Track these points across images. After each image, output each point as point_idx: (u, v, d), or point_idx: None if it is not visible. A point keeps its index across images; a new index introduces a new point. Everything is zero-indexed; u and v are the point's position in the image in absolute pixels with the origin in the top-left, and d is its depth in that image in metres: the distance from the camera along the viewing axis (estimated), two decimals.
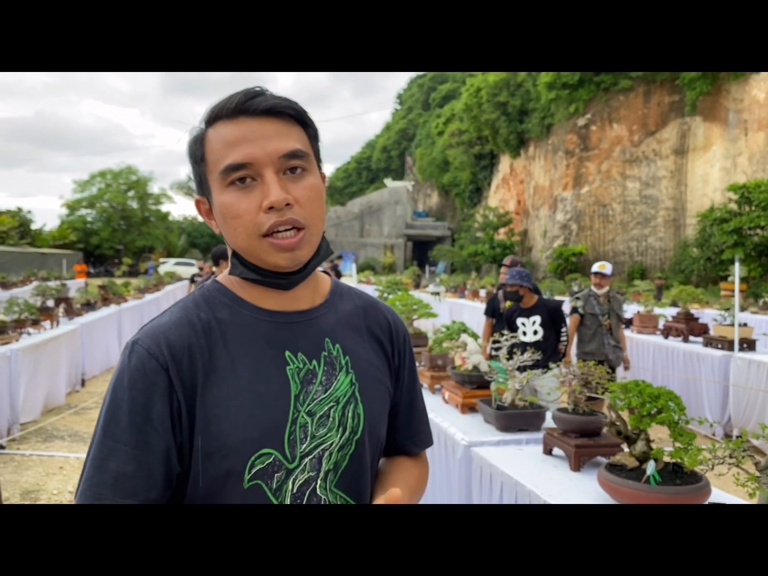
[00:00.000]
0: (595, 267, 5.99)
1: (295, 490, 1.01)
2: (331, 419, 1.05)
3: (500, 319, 5.73)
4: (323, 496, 1.04)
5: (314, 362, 1.05)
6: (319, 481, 1.03)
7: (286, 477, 1.00)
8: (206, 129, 1.02)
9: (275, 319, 1.05)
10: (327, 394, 1.05)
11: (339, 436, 1.05)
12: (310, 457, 1.02)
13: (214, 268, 6.76)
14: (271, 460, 0.99)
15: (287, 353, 1.04)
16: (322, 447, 1.03)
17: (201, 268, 13.10)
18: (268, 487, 0.99)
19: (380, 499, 0.96)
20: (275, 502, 1.00)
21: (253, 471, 0.98)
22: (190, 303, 1.05)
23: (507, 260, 6.41)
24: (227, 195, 0.98)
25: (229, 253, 1.07)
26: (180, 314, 1.03)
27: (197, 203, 1.09)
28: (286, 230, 0.97)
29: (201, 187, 1.05)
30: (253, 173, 0.98)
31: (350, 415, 1.07)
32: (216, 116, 1.00)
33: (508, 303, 5.55)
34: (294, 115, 1.02)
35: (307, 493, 1.02)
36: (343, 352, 1.09)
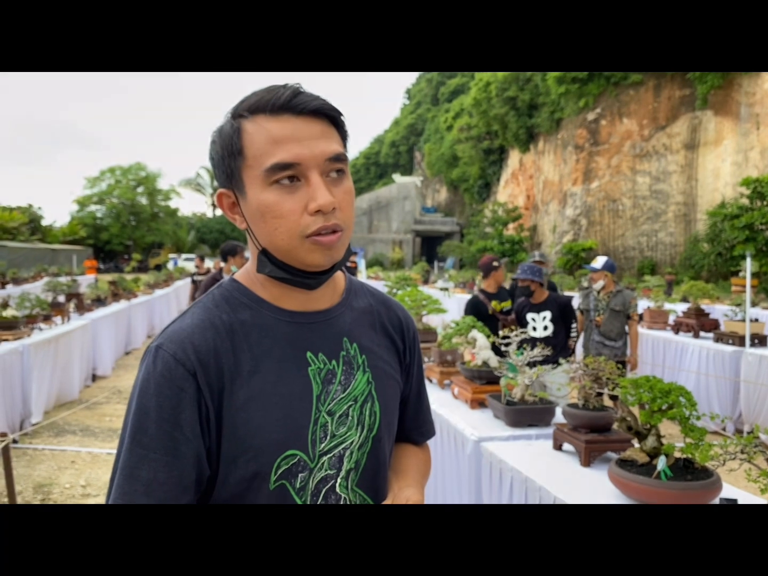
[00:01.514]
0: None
1: (312, 488, 1.02)
2: (350, 418, 1.06)
3: (488, 321, 5.41)
4: (343, 495, 1.05)
5: (333, 362, 1.06)
6: (339, 480, 1.05)
7: (308, 476, 1.01)
8: (242, 120, 0.98)
9: (296, 320, 1.05)
10: (346, 393, 1.06)
11: (358, 434, 1.07)
12: (329, 455, 1.03)
13: (222, 264, 6.75)
14: (295, 460, 1.00)
15: (308, 354, 1.04)
16: (342, 446, 1.05)
17: (198, 266, 12.24)
18: (292, 486, 1.00)
19: (391, 500, 0.98)
20: (299, 501, 1.01)
21: (279, 472, 0.99)
22: (211, 304, 1.04)
23: (538, 256, 6.48)
24: (270, 194, 0.96)
25: (253, 250, 1.05)
26: (202, 316, 1.01)
27: (220, 196, 1.04)
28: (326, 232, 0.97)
29: (230, 180, 1.01)
30: (299, 174, 0.96)
31: (367, 413, 1.08)
32: (257, 109, 0.97)
33: (494, 303, 5.42)
34: (334, 118, 1.01)
35: (324, 490, 1.03)
36: (360, 351, 1.10)
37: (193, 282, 11.22)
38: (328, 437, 1.03)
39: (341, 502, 1.05)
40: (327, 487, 1.04)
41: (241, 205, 1.02)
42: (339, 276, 1.16)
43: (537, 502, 2.37)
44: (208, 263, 15.80)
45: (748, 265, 6.07)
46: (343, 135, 1.04)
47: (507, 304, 5.45)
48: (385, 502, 1.08)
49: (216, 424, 0.97)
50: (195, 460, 0.95)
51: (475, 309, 5.45)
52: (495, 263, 5.56)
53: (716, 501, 2.00)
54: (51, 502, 4.42)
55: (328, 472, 1.03)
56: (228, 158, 0.99)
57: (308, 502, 1.02)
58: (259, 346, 1.01)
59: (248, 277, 1.08)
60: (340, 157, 0.99)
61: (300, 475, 1.01)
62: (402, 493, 1.09)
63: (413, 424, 1.28)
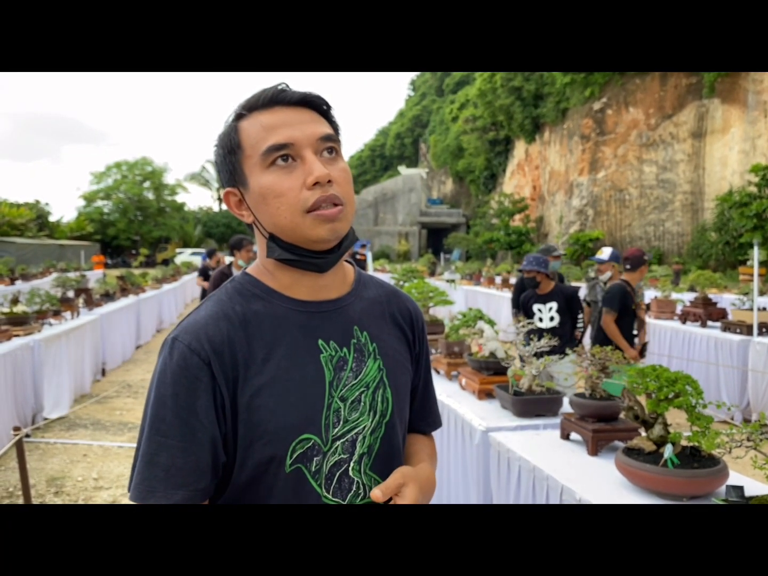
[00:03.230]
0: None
1: (326, 472, 1.05)
2: (362, 404, 1.09)
3: (630, 315, 5.06)
4: (356, 478, 1.08)
5: (345, 349, 1.09)
6: (352, 464, 1.08)
7: (322, 460, 1.05)
8: (238, 122, 1.06)
9: (307, 309, 1.09)
10: (357, 380, 1.09)
11: (370, 420, 1.10)
12: (342, 440, 1.07)
13: (228, 259, 6.77)
14: (310, 444, 1.03)
15: (320, 341, 1.08)
16: (355, 431, 1.08)
17: (218, 260, 11.09)
18: (307, 469, 1.04)
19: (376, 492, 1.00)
20: (314, 484, 1.04)
21: (295, 455, 1.02)
22: (224, 296, 1.09)
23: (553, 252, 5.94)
24: (269, 176, 1.02)
25: (261, 243, 1.09)
26: (216, 308, 1.06)
27: (227, 195, 1.11)
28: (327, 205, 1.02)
29: (233, 177, 1.08)
30: (294, 154, 1.02)
31: (380, 399, 1.12)
32: (250, 108, 1.05)
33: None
34: (322, 108, 1.08)
35: (338, 474, 1.06)
36: (370, 340, 1.13)
37: (206, 278, 10.47)
38: (341, 422, 1.06)
39: (354, 486, 1.08)
40: (340, 471, 1.07)
41: (246, 197, 1.07)
42: (348, 268, 1.20)
43: (544, 491, 2.39)
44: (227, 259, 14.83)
45: (756, 254, 6.05)
46: (333, 125, 1.10)
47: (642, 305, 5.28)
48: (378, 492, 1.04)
49: (231, 410, 1.01)
50: (211, 445, 0.99)
51: (624, 298, 5.07)
52: (646, 257, 5.22)
53: (723, 488, 2.02)
54: (64, 495, 4.48)
55: (342, 456, 1.07)
56: (229, 155, 1.06)
57: (323, 486, 1.05)
58: (271, 335, 1.05)
59: (259, 270, 1.13)
60: (331, 137, 1.05)
61: (315, 458, 1.04)
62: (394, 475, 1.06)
63: (420, 415, 1.31)
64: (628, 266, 5.19)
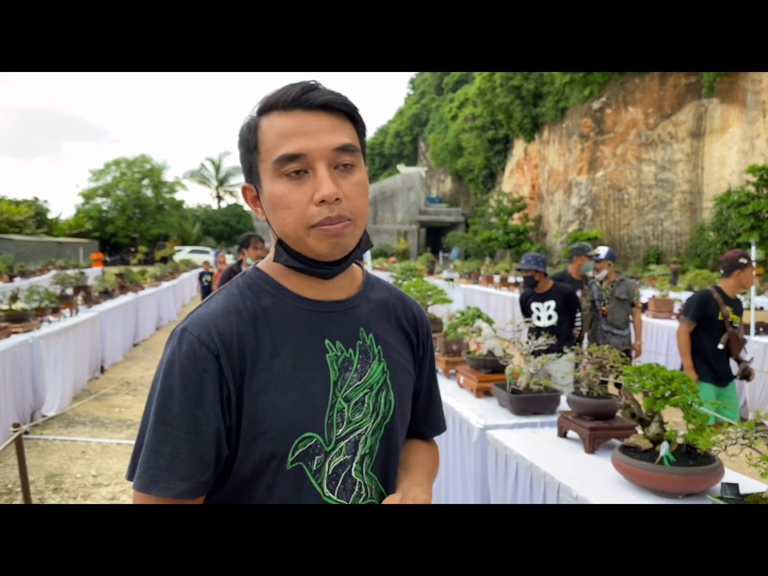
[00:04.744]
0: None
1: (330, 472, 1.06)
2: (365, 405, 1.10)
3: (713, 326, 4.30)
4: (358, 479, 1.09)
5: (350, 350, 1.10)
6: (354, 464, 1.09)
7: (324, 459, 1.05)
8: (259, 118, 1.04)
9: (315, 308, 1.09)
10: (362, 381, 1.10)
11: (372, 421, 1.11)
12: (345, 441, 1.07)
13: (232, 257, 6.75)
14: (312, 443, 1.04)
15: (326, 341, 1.08)
16: (357, 432, 1.09)
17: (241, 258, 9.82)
18: (308, 468, 1.04)
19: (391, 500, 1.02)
20: (314, 483, 1.05)
21: (296, 453, 1.03)
22: (235, 291, 1.09)
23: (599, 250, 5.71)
24: (279, 185, 1.01)
25: (273, 241, 1.10)
26: (226, 302, 1.06)
27: (244, 190, 1.11)
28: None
29: (250, 174, 1.08)
30: (306, 165, 1.00)
31: (382, 401, 1.12)
32: (271, 107, 1.02)
33: (729, 309, 4.19)
34: (346, 111, 1.04)
35: (342, 475, 1.07)
36: (375, 342, 1.14)
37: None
38: (345, 423, 1.07)
39: (356, 487, 1.09)
40: (345, 471, 1.07)
41: (260, 197, 1.07)
42: (357, 269, 1.20)
43: (542, 489, 2.40)
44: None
45: (753, 253, 6.07)
46: (359, 129, 1.07)
47: (737, 319, 4.10)
48: (393, 499, 1.06)
49: (237, 405, 1.01)
50: (215, 438, 0.99)
51: (705, 307, 4.31)
52: (742, 260, 4.29)
53: (718, 486, 2.04)
54: (63, 492, 4.48)
55: (346, 457, 1.07)
56: (247, 154, 1.06)
57: (324, 485, 1.06)
58: (279, 332, 1.05)
59: (270, 266, 1.13)
60: (348, 148, 1.02)
61: (316, 457, 1.04)
62: (410, 492, 1.10)
63: (423, 419, 1.31)
64: (722, 271, 4.45)
